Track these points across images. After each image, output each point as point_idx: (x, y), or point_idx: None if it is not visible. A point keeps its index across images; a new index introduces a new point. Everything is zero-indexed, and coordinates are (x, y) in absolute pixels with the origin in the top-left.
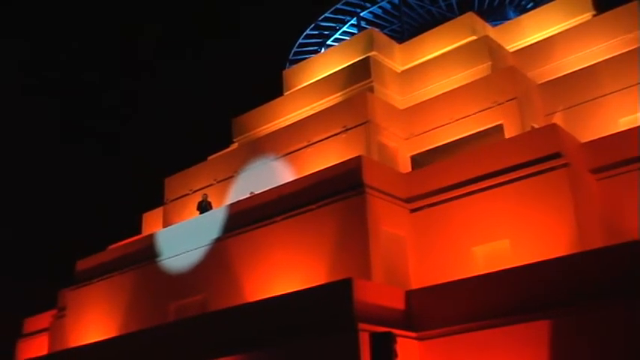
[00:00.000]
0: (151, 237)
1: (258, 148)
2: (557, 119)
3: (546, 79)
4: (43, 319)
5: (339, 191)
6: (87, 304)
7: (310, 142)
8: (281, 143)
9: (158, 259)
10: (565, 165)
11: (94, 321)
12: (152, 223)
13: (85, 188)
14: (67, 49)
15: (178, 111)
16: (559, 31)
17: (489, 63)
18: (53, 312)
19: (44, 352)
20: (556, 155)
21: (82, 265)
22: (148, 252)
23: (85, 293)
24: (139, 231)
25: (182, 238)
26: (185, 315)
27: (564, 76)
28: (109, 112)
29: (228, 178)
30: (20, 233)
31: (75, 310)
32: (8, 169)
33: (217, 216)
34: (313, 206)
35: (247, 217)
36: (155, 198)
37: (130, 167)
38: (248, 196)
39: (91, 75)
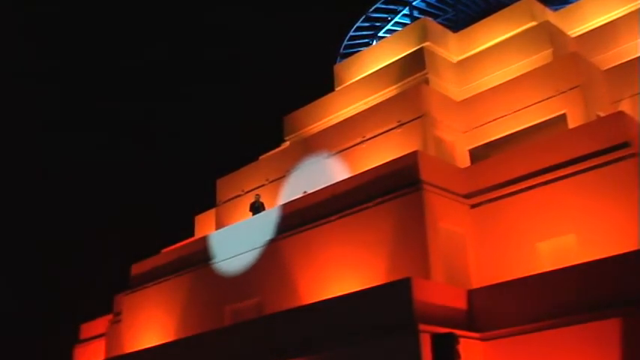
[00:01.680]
0: (204, 240)
1: (311, 145)
2: (625, 107)
3: (611, 65)
4: (100, 325)
5: (395, 188)
6: (142, 308)
7: (364, 139)
8: (334, 140)
9: (212, 261)
10: (633, 155)
11: (150, 325)
12: (205, 225)
13: (138, 191)
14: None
15: (229, 110)
16: (623, 14)
17: (550, 50)
18: (109, 317)
19: (101, 357)
20: (623, 145)
21: (137, 269)
22: (202, 255)
23: (140, 298)
24: (191, 233)
25: (235, 240)
26: (241, 318)
27: (630, 61)
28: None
29: (281, 178)
30: (78, 235)
31: (130, 314)
32: (61, 169)
33: (270, 217)
34: (369, 204)
35: (301, 218)
36: (207, 200)
37: (182, 169)
38: (301, 195)
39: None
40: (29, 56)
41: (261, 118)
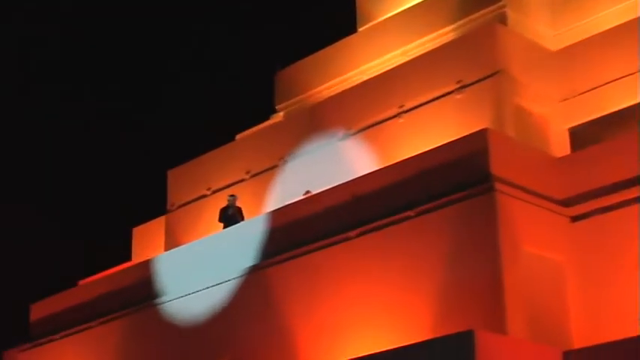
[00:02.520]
0: (146, 265)
1: (317, 119)
2: None
3: None
4: None
5: (451, 189)
6: None
7: (402, 109)
8: (353, 111)
9: (158, 300)
10: None
11: None
12: (147, 242)
13: (43, 191)
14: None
15: (182, 61)
16: None
17: None
18: None
19: None
20: None
21: (39, 311)
22: (143, 289)
23: (44, 355)
24: (126, 255)
25: (196, 266)
26: None
27: None
28: None
29: (269, 170)
30: None
31: None
32: None
33: (252, 230)
34: (408, 213)
35: (301, 232)
36: (152, 203)
37: (108, 152)
38: (302, 197)
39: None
40: None
41: (237, 73)
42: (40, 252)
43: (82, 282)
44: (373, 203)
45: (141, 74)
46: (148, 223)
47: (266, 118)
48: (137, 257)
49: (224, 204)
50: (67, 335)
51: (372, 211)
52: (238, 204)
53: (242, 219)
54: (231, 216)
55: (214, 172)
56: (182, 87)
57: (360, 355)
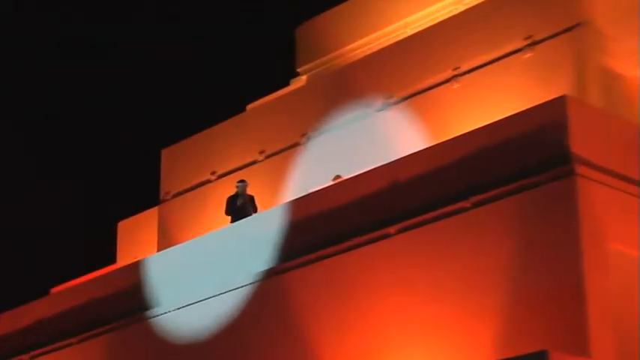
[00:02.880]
0: (134, 269)
1: (350, 84)
2: None
3: None
4: None
5: (517, 173)
6: None
7: (456, 72)
8: (396, 74)
9: (150, 312)
10: None
11: None
12: (135, 240)
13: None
14: None
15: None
16: None
17: None
18: None
19: None
20: None
21: (2, 325)
22: (130, 299)
23: None
24: (110, 257)
25: (197, 270)
26: None
27: None
28: None
29: (289, 148)
30: None
31: None
32: None
33: (267, 226)
34: (463, 204)
35: (328, 229)
36: (141, 190)
37: (84, 131)
38: (329, 184)
39: None
40: None
41: (247, 26)
42: (3, 253)
43: (55, 290)
44: (418, 191)
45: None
46: (137, 216)
47: (284, 83)
48: (123, 259)
49: (232, 192)
50: (37, 355)
51: (416, 202)
52: (250, 192)
53: (254, 211)
54: (240, 207)
55: (220, 152)
56: (176, 44)
57: None
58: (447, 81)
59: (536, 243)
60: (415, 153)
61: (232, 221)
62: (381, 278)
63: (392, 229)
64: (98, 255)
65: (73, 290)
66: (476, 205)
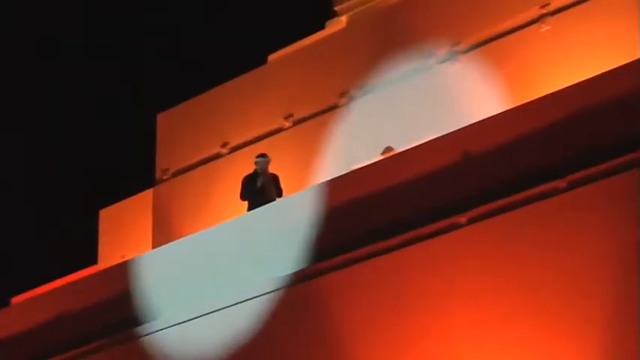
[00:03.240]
0: (121, 271)
1: (403, 27)
2: None
3: None
4: None
5: (629, 142)
6: None
7: (545, 10)
8: (465, 14)
9: (143, 328)
10: None
11: None
12: (123, 232)
13: None
14: None
15: None
16: None
17: None
18: None
19: None
20: None
21: None
22: (118, 311)
23: None
24: (89, 253)
25: (206, 272)
26: None
27: None
28: None
29: (324, 112)
30: None
31: None
32: None
33: (296, 214)
34: (558, 183)
35: (377, 217)
36: (129, 169)
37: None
38: (378, 159)
39: None
40: None
41: None
42: None
43: (16, 299)
44: (497, 168)
45: None
46: (124, 202)
47: (318, 27)
48: (106, 258)
49: (250, 169)
50: None
51: (494, 181)
52: (273, 169)
53: (279, 194)
54: (261, 189)
55: (233, 118)
56: None
57: None
58: (533, 22)
59: None
60: (492, 117)
61: (250, 208)
62: (447, 283)
63: (462, 218)
64: (73, 253)
65: (40, 300)
66: (573, 186)
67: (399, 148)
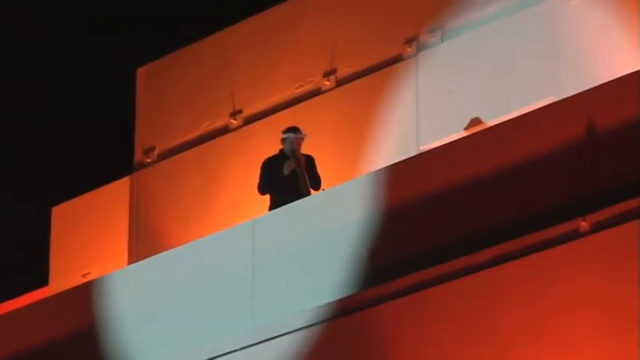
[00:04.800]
0: (85, 293)
1: None
2: None
3: None
4: None
5: None
6: None
7: None
8: None
9: None
10: None
11: None
12: (78, 236)
13: None
14: None
15: None
16: None
17: None
18: None
19: None
20: None
21: None
22: (81, 349)
23: None
24: (40, 271)
25: (208, 295)
26: None
27: None
28: None
29: (383, 66)
30: None
31: None
32: None
33: (341, 214)
34: None
35: (462, 222)
36: (95, 148)
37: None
38: (462, 134)
39: None
40: None
41: None
42: None
43: None
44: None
45: None
46: (85, 196)
47: None
48: (59, 276)
49: (272, 150)
50: None
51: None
52: (306, 150)
53: (315, 185)
54: (289, 178)
55: (249, 76)
56: None
57: None
58: None
59: None
60: (628, 75)
61: (273, 206)
62: (562, 315)
63: (584, 223)
64: (15, 270)
65: None
66: None
67: (491, 121)
